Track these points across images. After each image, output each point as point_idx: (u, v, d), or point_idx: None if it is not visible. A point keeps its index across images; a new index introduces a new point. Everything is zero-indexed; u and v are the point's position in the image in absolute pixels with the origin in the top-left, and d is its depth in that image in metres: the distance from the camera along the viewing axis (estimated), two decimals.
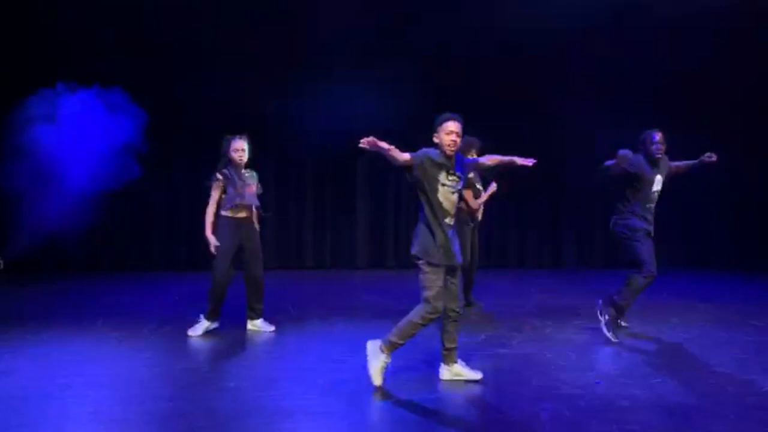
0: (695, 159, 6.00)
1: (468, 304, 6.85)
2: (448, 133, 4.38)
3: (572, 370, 4.83)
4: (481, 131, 6.62)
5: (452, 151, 4.40)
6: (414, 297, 4.53)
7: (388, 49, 9.51)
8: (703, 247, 10.83)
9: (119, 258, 10.08)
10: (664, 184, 5.88)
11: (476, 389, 4.38)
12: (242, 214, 5.87)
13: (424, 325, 4.37)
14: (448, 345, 4.53)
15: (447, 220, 4.41)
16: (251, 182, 5.93)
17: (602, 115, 9.58)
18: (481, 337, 5.74)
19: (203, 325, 5.89)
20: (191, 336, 5.78)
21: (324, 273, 10.26)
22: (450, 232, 4.43)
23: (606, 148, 5.94)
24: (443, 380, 4.54)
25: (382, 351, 4.43)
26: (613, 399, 4.17)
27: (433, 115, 4.51)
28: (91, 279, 9.14)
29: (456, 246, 4.48)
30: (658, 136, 5.81)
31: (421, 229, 4.43)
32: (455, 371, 4.56)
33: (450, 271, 4.45)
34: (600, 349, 5.48)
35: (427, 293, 4.33)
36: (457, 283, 4.53)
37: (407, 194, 10.35)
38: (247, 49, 9.32)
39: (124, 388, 4.39)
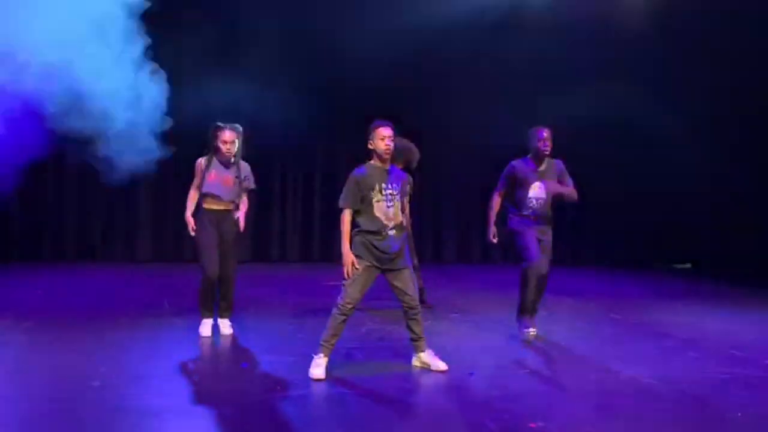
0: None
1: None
2: (382, 138, 4.55)
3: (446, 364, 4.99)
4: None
5: (388, 154, 4.58)
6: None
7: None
8: (575, 245, 11.31)
9: None
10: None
11: (368, 382, 4.43)
12: (217, 207, 5.54)
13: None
14: (412, 335, 4.78)
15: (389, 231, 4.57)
16: (231, 174, 5.52)
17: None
18: (361, 331, 5.81)
19: (205, 323, 5.59)
20: (201, 336, 5.51)
21: None
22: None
23: None
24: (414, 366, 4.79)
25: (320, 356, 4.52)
26: (485, 390, 4.36)
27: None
28: None
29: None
30: (546, 132, 5.63)
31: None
32: (422, 360, 4.79)
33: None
34: (472, 342, 5.67)
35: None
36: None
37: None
38: None
39: None
